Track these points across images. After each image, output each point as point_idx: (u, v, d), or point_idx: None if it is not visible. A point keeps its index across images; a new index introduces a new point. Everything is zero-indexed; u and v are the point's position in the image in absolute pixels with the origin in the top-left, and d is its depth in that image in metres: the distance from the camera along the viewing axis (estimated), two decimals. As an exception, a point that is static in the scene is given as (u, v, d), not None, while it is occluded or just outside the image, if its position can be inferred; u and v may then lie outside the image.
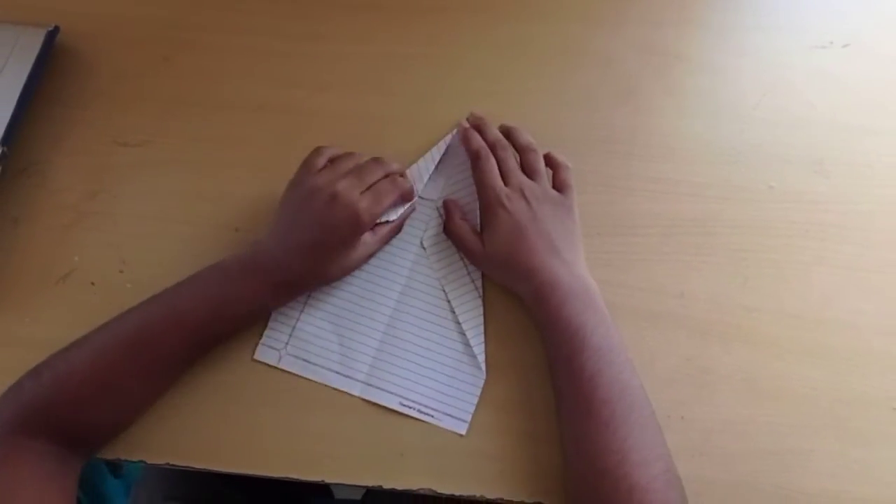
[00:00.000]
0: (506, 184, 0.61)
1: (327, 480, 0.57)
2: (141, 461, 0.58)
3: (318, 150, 0.61)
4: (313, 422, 0.59)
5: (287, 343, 0.61)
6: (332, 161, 0.61)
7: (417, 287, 0.63)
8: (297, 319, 0.61)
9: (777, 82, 0.69)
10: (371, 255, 0.62)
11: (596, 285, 0.58)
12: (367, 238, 0.60)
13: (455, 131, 0.67)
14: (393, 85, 0.70)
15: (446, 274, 0.63)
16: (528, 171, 0.63)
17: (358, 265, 0.61)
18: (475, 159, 0.63)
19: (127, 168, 0.66)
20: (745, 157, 0.67)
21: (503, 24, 0.72)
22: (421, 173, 0.65)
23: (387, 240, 0.63)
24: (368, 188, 0.59)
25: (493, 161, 0.62)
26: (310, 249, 0.58)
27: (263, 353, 0.60)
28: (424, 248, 0.64)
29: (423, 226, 0.65)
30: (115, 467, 0.96)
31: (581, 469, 0.54)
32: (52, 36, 0.67)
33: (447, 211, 0.64)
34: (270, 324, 0.61)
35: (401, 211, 0.63)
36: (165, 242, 0.63)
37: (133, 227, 0.64)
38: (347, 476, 0.57)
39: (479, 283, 0.62)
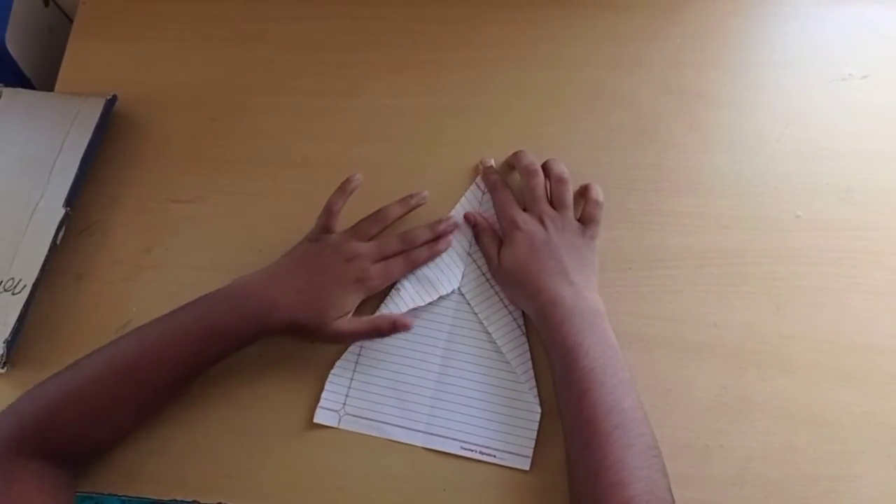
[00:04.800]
0: (529, 210, 0.64)
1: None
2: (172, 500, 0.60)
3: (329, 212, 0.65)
4: (373, 463, 0.61)
5: (344, 403, 0.62)
6: (359, 223, 0.65)
7: (462, 332, 0.65)
8: (352, 379, 0.63)
9: (798, 115, 0.71)
10: (344, 337, 0.62)
11: (603, 309, 0.59)
12: (348, 318, 0.61)
13: (477, 180, 0.70)
14: (427, 135, 0.72)
15: (488, 315, 0.64)
16: (555, 202, 0.65)
17: (334, 336, 0.61)
18: (492, 192, 0.67)
19: (179, 223, 0.70)
20: (772, 188, 0.68)
21: (530, 72, 0.74)
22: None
23: (361, 332, 0.62)
24: (384, 259, 0.64)
25: (508, 192, 0.66)
26: (304, 291, 0.60)
27: (323, 417, 0.62)
28: (463, 295, 0.66)
29: (459, 273, 0.66)
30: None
31: (571, 488, 0.55)
32: (110, 104, 0.72)
33: (477, 224, 0.67)
34: (327, 386, 0.62)
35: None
36: (216, 292, 0.66)
37: (185, 278, 0.67)
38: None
39: (520, 321, 0.64)
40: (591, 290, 0.61)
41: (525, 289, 0.61)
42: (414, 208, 0.67)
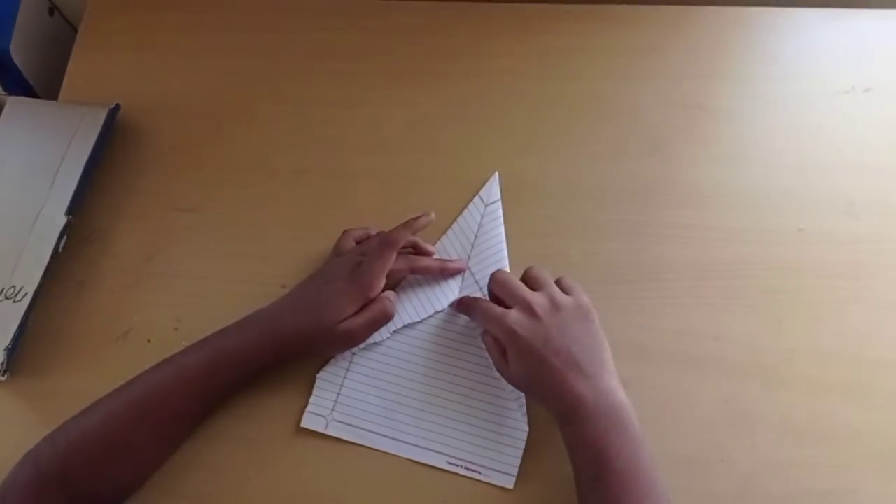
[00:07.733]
0: (515, 306, 0.58)
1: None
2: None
3: (345, 234, 0.66)
4: (360, 473, 0.61)
5: (333, 409, 0.62)
6: (360, 243, 0.65)
7: (453, 347, 0.64)
8: (342, 385, 0.63)
9: (801, 128, 0.71)
10: (356, 333, 0.61)
11: (626, 399, 0.55)
12: (359, 315, 0.60)
13: (481, 192, 0.69)
14: (430, 145, 0.73)
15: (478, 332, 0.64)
16: (531, 285, 0.60)
17: (347, 334, 0.60)
18: (468, 310, 0.63)
19: (181, 232, 0.70)
20: (774, 201, 0.68)
21: (532, 84, 0.75)
22: (447, 248, 0.68)
23: (374, 323, 0.61)
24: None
25: (481, 300, 0.62)
26: (304, 299, 0.61)
27: (310, 421, 0.62)
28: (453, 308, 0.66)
29: (456, 289, 0.66)
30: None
31: None
32: (113, 113, 0.73)
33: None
34: (315, 391, 0.63)
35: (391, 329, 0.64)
36: (217, 300, 0.66)
37: (187, 286, 0.68)
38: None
39: None
40: (609, 377, 0.56)
41: (541, 394, 0.57)
42: (418, 230, 0.65)
